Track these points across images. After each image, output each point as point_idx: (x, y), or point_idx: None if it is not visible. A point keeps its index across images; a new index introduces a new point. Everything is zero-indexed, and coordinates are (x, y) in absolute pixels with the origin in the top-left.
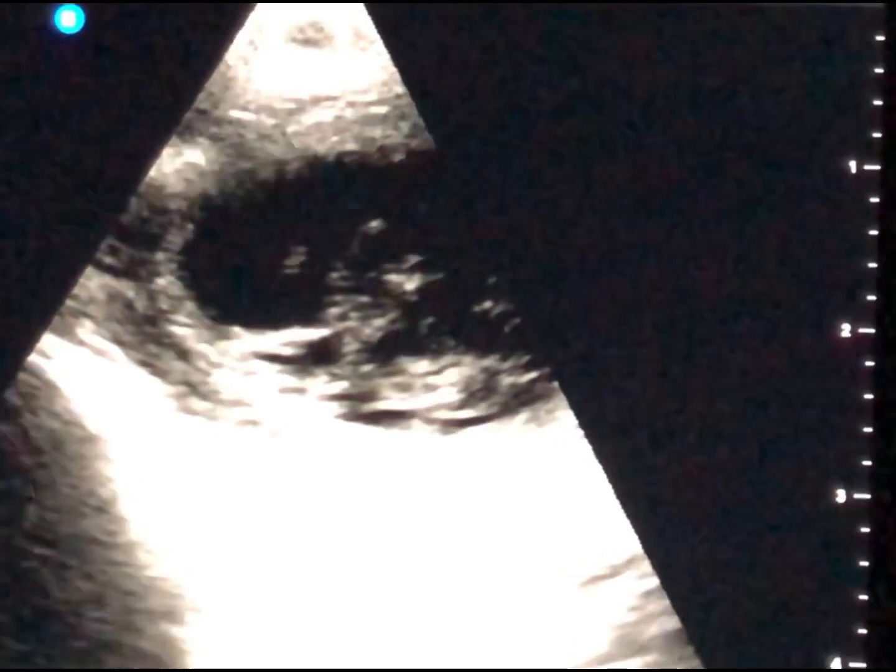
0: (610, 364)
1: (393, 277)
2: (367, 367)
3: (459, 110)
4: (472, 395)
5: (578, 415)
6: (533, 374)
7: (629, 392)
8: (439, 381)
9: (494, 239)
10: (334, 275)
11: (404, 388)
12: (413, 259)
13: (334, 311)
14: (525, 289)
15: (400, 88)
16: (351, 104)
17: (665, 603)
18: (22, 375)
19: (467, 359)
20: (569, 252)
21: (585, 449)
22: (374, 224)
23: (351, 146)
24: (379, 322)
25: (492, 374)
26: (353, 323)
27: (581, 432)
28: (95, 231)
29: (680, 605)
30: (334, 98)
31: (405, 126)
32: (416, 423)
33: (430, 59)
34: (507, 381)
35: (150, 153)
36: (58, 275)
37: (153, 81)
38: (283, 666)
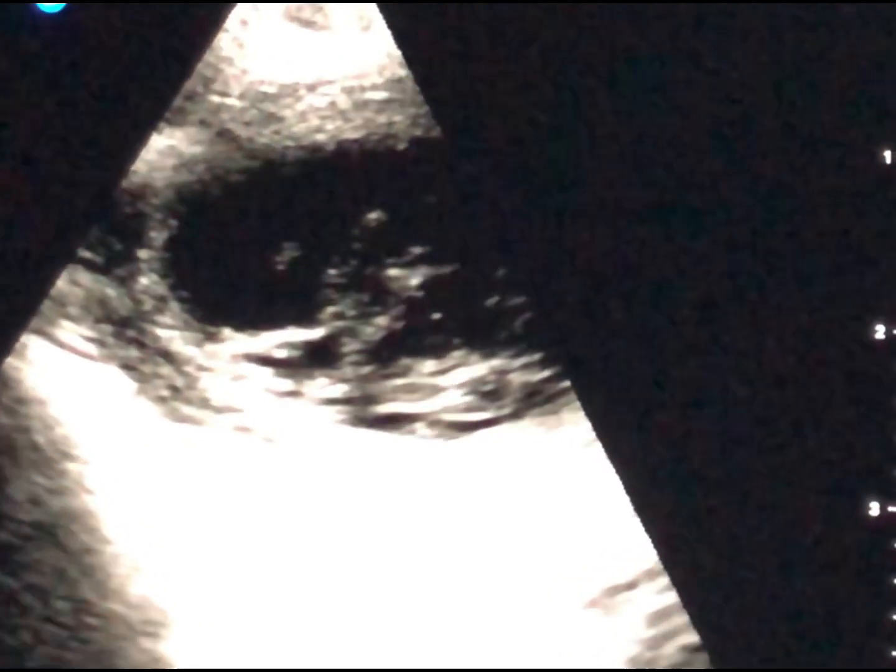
0: (625, 362)
1: (394, 272)
2: (367, 369)
3: (465, 95)
4: (481, 396)
5: (591, 416)
6: (545, 373)
7: (646, 393)
8: (445, 382)
9: (501, 230)
10: (331, 271)
11: (408, 390)
12: (416, 252)
13: (332, 309)
14: (535, 282)
15: (402, 72)
16: (349, 89)
17: (684, 618)
18: None
19: (475, 358)
20: (580, 243)
21: (600, 453)
22: (374, 216)
23: (349, 133)
24: (380, 320)
25: (501, 374)
26: (351, 322)
27: (594, 435)
28: (78, 224)
29: (699, 620)
30: (332, 82)
31: (407, 112)
32: (420, 428)
33: (434, 41)
34: (517, 381)
35: (137, 141)
36: (38, 270)
37: (140, 65)
38: None
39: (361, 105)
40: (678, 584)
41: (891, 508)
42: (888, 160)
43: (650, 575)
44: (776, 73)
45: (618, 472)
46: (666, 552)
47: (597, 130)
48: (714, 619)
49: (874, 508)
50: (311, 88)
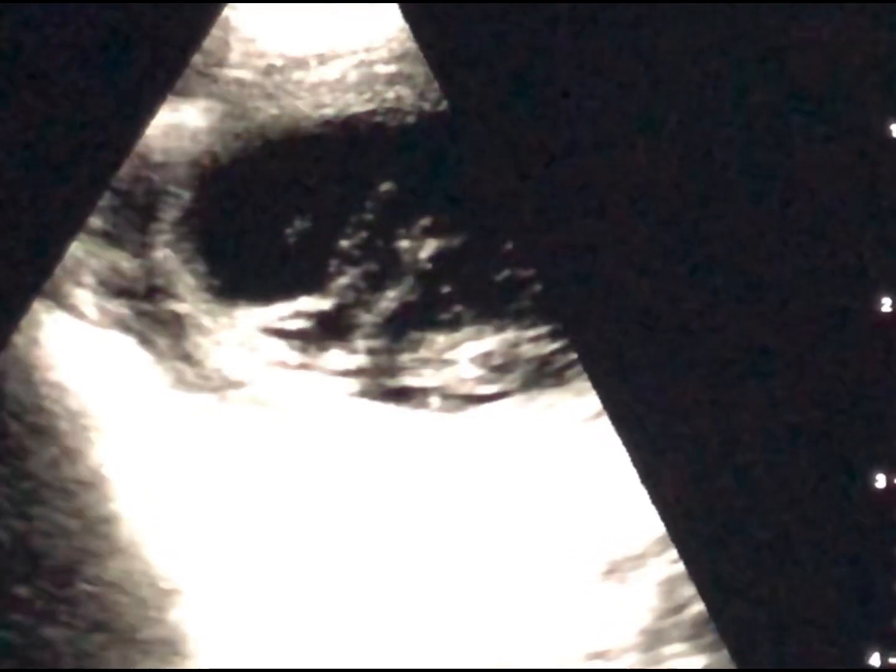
0: (632, 335)
1: (405, 244)
2: (379, 342)
3: (474, 67)
4: (492, 369)
5: (598, 388)
6: (556, 345)
7: (655, 368)
8: (457, 355)
9: (508, 203)
10: (343, 242)
11: (421, 362)
12: (426, 224)
13: (343, 281)
14: (541, 256)
15: (410, 45)
16: (359, 62)
17: (692, 590)
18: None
19: (486, 331)
20: (588, 216)
21: (608, 425)
22: (385, 188)
23: (359, 107)
24: (391, 293)
25: (512, 347)
26: (363, 294)
27: (601, 407)
28: (87, 195)
29: (707, 592)
30: (341, 55)
31: (415, 85)
32: (433, 400)
33: (443, 13)
34: (530, 353)
35: (145, 113)
36: (48, 240)
37: (148, 38)
38: (290, 660)
39: (371, 78)
40: (686, 555)
41: None
42: (895, 134)
43: (657, 547)
44: (779, 46)
45: (625, 443)
46: (673, 524)
47: (608, 103)
48: (722, 590)
49: (881, 480)
50: (321, 61)
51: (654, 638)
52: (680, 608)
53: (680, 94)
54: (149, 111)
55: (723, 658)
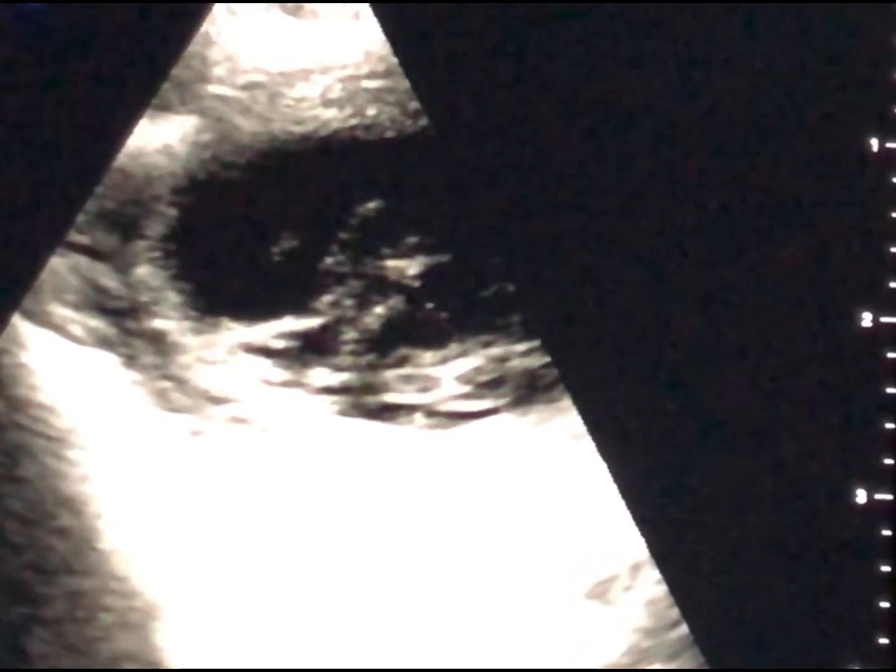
0: (616, 354)
1: (392, 262)
2: (366, 359)
3: (456, 83)
4: (478, 386)
5: (581, 407)
6: (542, 363)
7: (635, 384)
8: (443, 372)
9: (493, 219)
10: (329, 260)
11: (406, 380)
12: (412, 242)
13: (329, 298)
14: (524, 273)
15: (392, 60)
16: (341, 78)
17: (674, 610)
18: None
19: (472, 348)
20: (571, 232)
21: (590, 444)
22: (371, 205)
23: (342, 123)
24: (378, 310)
25: (499, 363)
26: (349, 311)
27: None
28: (65, 211)
29: (689, 611)
30: (324, 71)
31: (397, 101)
32: (419, 418)
33: (424, 28)
34: (515, 370)
35: (123, 128)
36: (26, 256)
37: (127, 52)
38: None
39: (353, 94)
40: (668, 576)
41: (877, 496)
42: (874, 148)
43: (640, 567)
44: (762, 58)
45: (607, 462)
46: (656, 544)
47: (589, 117)
48: (704, 610)
49: (861, 496)
50: (304, 77)
51: (639, 657)
52: (664, 628)
53: (667, 99)
54: (127, 126)
55: None
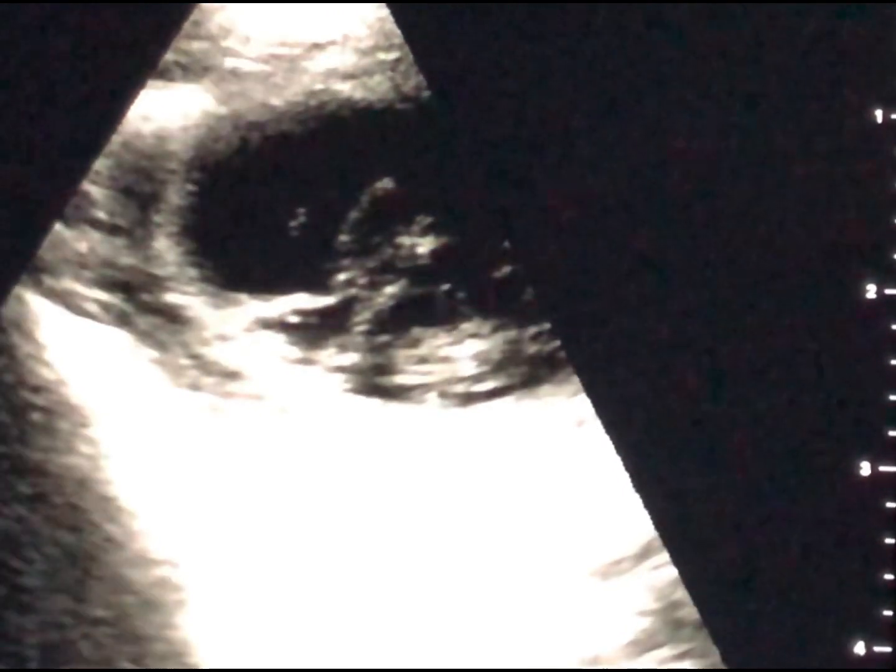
0: (624, 337)
1: (405, 240)
2: (379, 338)
3: (461, 60)
4: (492, 366)
5: (589, 389)
6: (554, 345)
7: (643, 367)
8: (455, 352)
9: (511, 200)
10: (342, 237)
11: (419, 359)
12: (425, 221)
13: (343, 276)
14: (531, 255)
15: (397, 39)
16: (355, 51)
17: (683, 593)
18: (4, 337)
19: (485, 328)
20: (576, 212)
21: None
22: (383, 184)
23: (356, 96)
24: (391, 289)
25: (512, 344)
26: (363, 291)
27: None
28: (66, 181)
29: (696, 588)
30: (337, 44)
31: (408, 74)
32: (431, 398)
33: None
34: (528, 351)
35: (123, 98)
36: (26, 226)
37: (131, 21)
38: (291, 659)
39: (367, 68)
40: (677, 558)
41: (881, 468)
42: (879, 119)
43: (649, 549)
44: (768, 37)
45: (614, 444)
46: (665, 527)
47: (598, 93)
48: (713, 593)
49: (865, 468)
50: (318, 51)
51: (646, 641)
52: (671, 610)
53: (672, 91)
54: (127, 96)
55: (715, 661)
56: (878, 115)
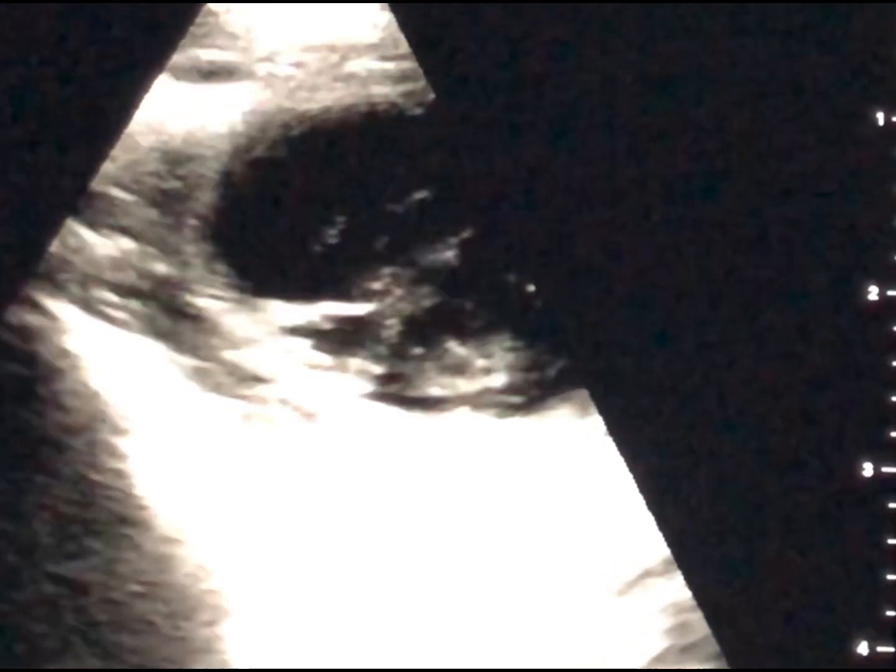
0: (638, 356)
1: (438, 251)
2: (408, 348)
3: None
4: (521, 379)
5: (602, 408)
6: (573, 362)
7: (656, 386)
8: (483, 364)
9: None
10: (374, 246)
11: (447, 370)
12: (459, 233)
13: (375, 285)
14: (542, 276)
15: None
16: (388, 57)
17: (697, 613)
18: (34, 346)
19: (512, 341)
20: (586, 229)
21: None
22: (419, 192)
23: (390, 101)
24: (423, 300)
25: (532, 360)
26: (395, 299)
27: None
28: (75, 181)
29: (712, 615)
30: (369, 49)
31: (414, 82)
32: (460, 409)
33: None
34: (546, 368)
35: (131, 99)
36: (34, 227)
37: (141, 19)
38: (320, 661)
39: (403, 72)
40: (690, 578)
41: (884, 469)
42: (881, 122)
43: (663, 569)
44: (772, 35)
45: (627, 462)
46: (679, 547)
47: (605, 97)
48: (725, 611)
49: (867, 469)
50: (352, 54)
51: (659, 660)
52: (685, 631)
53: (678, 87)
54: (134, 97)
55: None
56: (880, 117)
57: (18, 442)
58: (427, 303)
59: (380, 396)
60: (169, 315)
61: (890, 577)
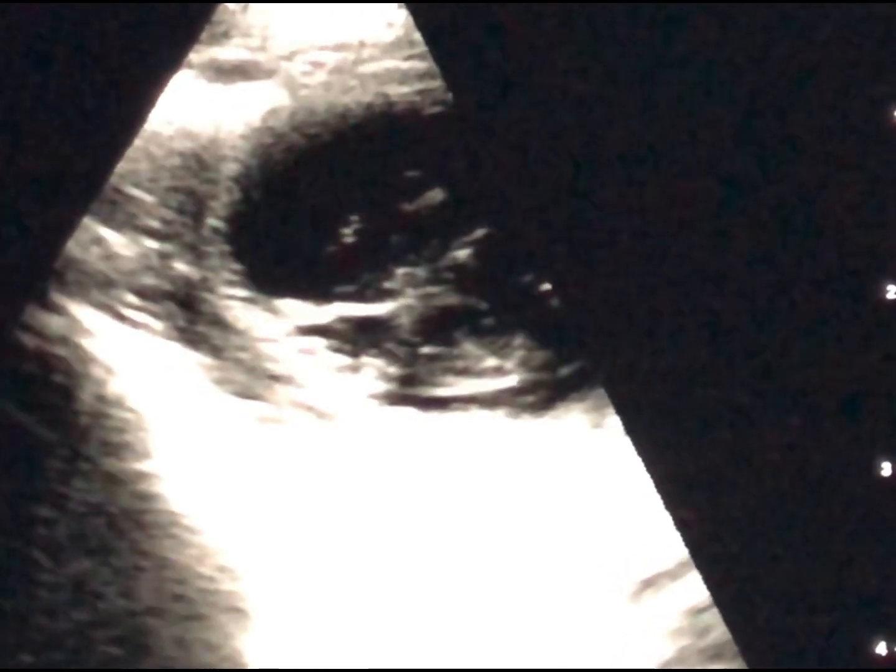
0: (656, 356)
1: (451, 252)
2: (424, 348)
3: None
4: (537, 378)
5: (623, 406)
6: (589, 362)
7: (673, 386)
8: (498, 364)
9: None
10: (389, 246)
11: (464, 370)
12: (472, 231)
13: (391, 284)
14: (560, 275)
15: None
16: (406, 56)
17: (715, 614)
18: (55, 349)
19: (526, 340)
20: (606, 229)
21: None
22: (436, 193)
23: (409, 100)
24: (439, 299)
25: (548, 360)
26: (411, 299)
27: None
28: (92, 180)
29: (730, 616)
30: (389, 49)
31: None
32: (475, 409)
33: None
34: (562, 368)
35: (149, 97)
36: (50, 230)
37: (159, 19)
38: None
39: (423, 72)
40: (709, 579)
41: None
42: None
43: (681, 570)
44: (782, 36)
45: (645, 463)
46: (697, 547)
47: (623, 94)
48: (744, 613)
49: (887, 469)
50: (368, 54)
51: (677, 661)
52: (703, 632)
53: (695, 82)
54: (153, 94)
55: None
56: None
57: (34, 445)
58: (442, 303)
59: (395, 396)
60: (186, 316)
61: None
